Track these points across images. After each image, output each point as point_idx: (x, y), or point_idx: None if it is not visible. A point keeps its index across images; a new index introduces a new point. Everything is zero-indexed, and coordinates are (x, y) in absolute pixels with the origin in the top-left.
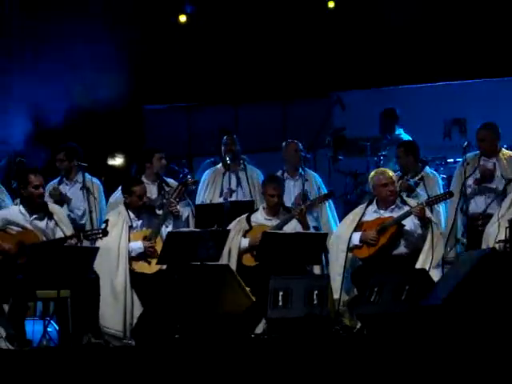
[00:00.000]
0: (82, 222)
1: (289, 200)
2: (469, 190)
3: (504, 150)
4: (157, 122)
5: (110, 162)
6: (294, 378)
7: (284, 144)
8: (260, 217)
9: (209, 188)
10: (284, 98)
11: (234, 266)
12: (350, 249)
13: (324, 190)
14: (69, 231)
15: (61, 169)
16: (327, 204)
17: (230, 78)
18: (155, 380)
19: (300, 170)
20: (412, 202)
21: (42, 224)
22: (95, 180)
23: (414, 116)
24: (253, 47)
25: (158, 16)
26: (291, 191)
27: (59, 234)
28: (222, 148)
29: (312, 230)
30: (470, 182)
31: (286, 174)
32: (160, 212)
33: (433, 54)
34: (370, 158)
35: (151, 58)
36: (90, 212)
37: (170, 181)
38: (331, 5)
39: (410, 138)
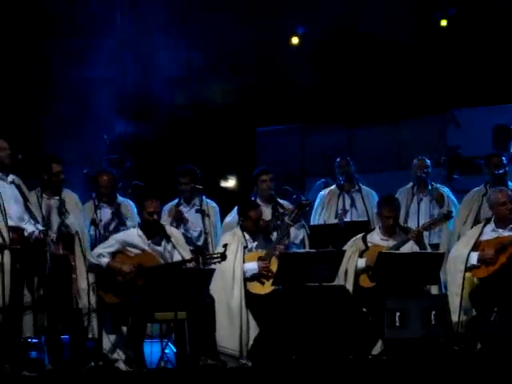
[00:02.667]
0: (199, 243)
1: (415, 218)
2: None
3: None
4: (270, 143)
5: (223, 183)
6: None
7: (415, 161)
8: (376, 237)
9: (324, 209)
10: (398, 118)
11: (350, 286)
12: (467, 269)
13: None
14: (186, 254)
15: (183, 191)
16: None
17: (343, 99)
18: None
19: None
20: None
21: (160, 248)
22: (211, 203)
23: None
24: (365, 68)
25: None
26: (421, 208)
27: (177, 257)
28: (336, 169)
29: (429, 250)
30: None
31: (414, 189)
32: (275, 234)
33: None
34: (486, 176)
35: (266, 81)
36: (206, 234)
37: (284, 202)
38: (444, 23)
39: None
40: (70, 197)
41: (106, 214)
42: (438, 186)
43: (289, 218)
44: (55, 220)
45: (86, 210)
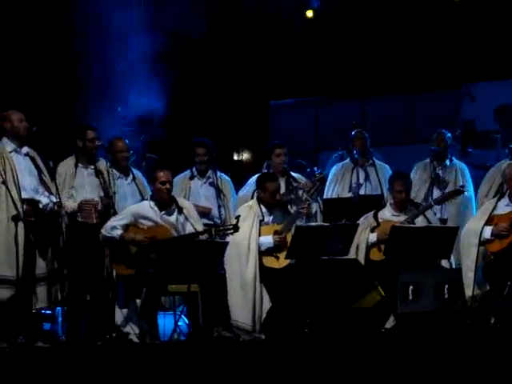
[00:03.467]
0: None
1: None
2: None
3: None
4: (284, 117)
5: (236, 157)
6: (424, 372)
7: (435, 134)
8: (388, 213)
9: (337, 183)
10: (412, 91)
11: (362, 260)
12: (481, 243)
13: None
14: (199, 226)
15: (199, 162)
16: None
17: (357, 73)
18: (285, 374)
19: (447, 160)
20: None
21: (172, 218)
22: (225, 177)
23: None
24: (380, 41)
25: (283, 11)
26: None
27: (189, 229)
28: (351, 143)
29: (439, 224)
30: None
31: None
32: (292, 208)
33: None
34: (500, 150)
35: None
36: (220, 207)
37: (298, 176)
38: None
39: None
40: (102, 165)
41: (123, 185)
42: (457, 162)
43: (308, 194)
44: (90, 189)
45: None
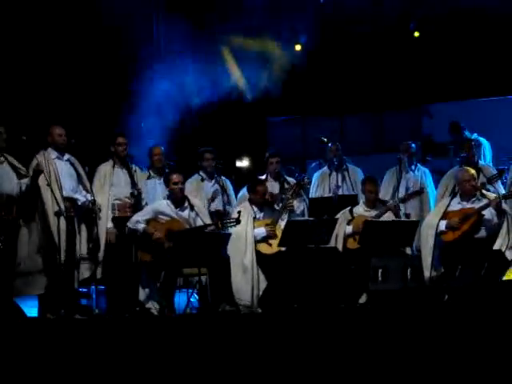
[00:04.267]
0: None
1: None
2: None
3: None
4: (278, 131)
5: (238, 163)
6: (390, 338)
7: (402, 145)
8: (360, 209)
9: (318, 186)
10: (381, 110)
11: (340, 248)
12: (437, 234)
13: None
14: (207, 220)
15: (207, 167)
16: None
17: (336, 95)
18: (277, 340)
19: (413, 166)
20: (490, 195)
21: (185, 214)
22: (226, 179)
23: (491, 123)
24: (356, 70)
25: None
26: (407, 183)
27: (199, 222)
28: (329, 153)
29: (403, 219)
30: None
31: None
32: (278, 206)
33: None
34: (453, 159)
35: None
36: (225, 205)
37: (290, 179)
38: (417, 34)
39: (486, 141)
40: (139, 171)
41: (156, 183)
42: (421, 167)
43: (288, 193)
44: (124, 185)
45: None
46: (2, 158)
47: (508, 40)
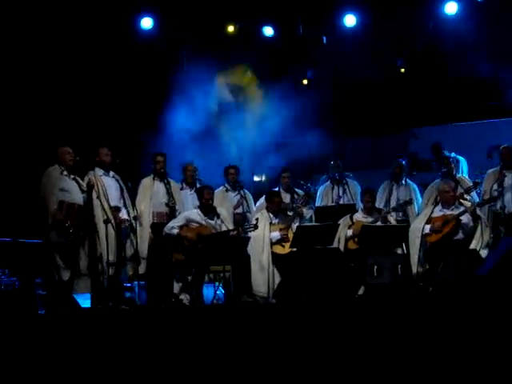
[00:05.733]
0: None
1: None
2: (495, 194)
3: None
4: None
5: (256, 178)
6: (384, 324)
7: (394, 163)
8: (359, 215)
9: (322, 197)
10: (375, 134)
11: (342, 248)
12: (422, 236)
13: (416, 198)
14: (230, 226)
15: (231, 180)
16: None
17: (338, 121)
18: (289, 326)
19: (403, 180)
20: (467, 203)
21: (212, 222)
22: (246, 191)
23: (466, 143)
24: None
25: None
26: (397, 195)
27: (224, 228)
28: (331, 169)
29: (395, 223)
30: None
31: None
32: (290, 213)
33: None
34: (435, 173)
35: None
36: (244, 212)
37: (299, 191)
38: (402, 70)
39: (463, 159)
40: (174, 183)
41: (187, 194)
42: (410, 182)
43: (298, 202)
44: (162, 195)
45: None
46: (72, 175)
47: (476, 77)
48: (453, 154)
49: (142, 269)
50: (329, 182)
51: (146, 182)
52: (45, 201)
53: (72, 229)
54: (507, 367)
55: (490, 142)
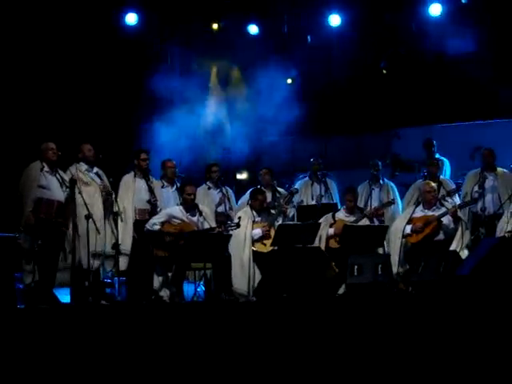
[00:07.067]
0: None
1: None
2: (476, 195)
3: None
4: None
5: (238, 176)
6: (363, 323)
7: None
8: (341, 214)
9: (302, 193)
10: (358, 133)
11: (323, 247)
12: (403, 236)
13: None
14: (212, 223)
15: (214, 178)
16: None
17: (321, 121)
18: (269, 324)
19: (381, 180)
20: (448, 204)
21: (194, 218)
22: (228, 188)
23: (449, 145)
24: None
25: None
26: (377, 196)
27: (206, 225)
28: (311, 167)
29: (376, 223)
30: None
31: (372, 184)
32: (273, 211)
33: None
34: (417, 173)
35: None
36: (226, 210)
37: (281, 190)
38: (384, 71)
39: (447, 160)
40: (155, 181)
41: (168, 192)
42: (387, 181)
43: (283, 201)
44: (144, 193)
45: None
46: (54, 170)
47: (460, 79)
48: (437, 155)
49: (124, 265)
50: (307, 177)
51: (128, 178)
52: (22, 198)
53: (54, 225)
54: (488, 366)
55: (473, 143)
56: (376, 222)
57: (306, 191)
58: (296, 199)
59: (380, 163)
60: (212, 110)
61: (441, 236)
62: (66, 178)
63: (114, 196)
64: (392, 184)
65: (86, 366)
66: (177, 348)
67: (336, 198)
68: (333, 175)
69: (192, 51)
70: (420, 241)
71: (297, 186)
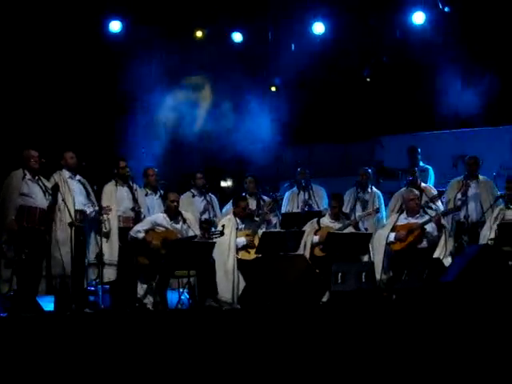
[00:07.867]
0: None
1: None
2: (459, 203)
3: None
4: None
5: (223, 183)
6: (347, 330)
7: (360, 170)
8: (326, 220)
9: (289, 202)
10: (345, 141)
11: (307, 255)
12: (387, 244)
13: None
14: (197, 231)
15: (199, 185)
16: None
17: (306, 128)
18: (253, 331)
19: (369, 187)
20: (431, 212)
21: (178, 226)
22: (212, 196)
23: (432, 152)
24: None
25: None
26: (362, 204)
27: (190, 233)
28: (298, 175)
29: (362, 231)
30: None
31: (360, 191)
32: (257, 218)
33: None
34: (401, 181)
35: None
36: (211, 218)
37: (265, 197)
38: (368, 79)
39: (430, 167)
40: (138, 188)
41: (152, 199)
42: (375, 189)
43: (266, 208)
44: (128, 201)
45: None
46: (37, 178)
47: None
48: (421, 163)
49: (113, 276)
50: (295, 188)
51: (109, 187)
52: (3, 206)
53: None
54: (473, 372)
55: (456, 151)
56: (362, 229)
57: (293, 200)
58: (284, 208)
59: (370, 171)
60: (198, 118)
61: (424, 244)
62: (49, 185)
63: (97, 207)
64: (379, 193)
65: (70, 374)
66: (161, 356)
67: (325, 205)
68: (318, 183)
69: (176, 59)
70: (404, 248)
71: (285, 197)
